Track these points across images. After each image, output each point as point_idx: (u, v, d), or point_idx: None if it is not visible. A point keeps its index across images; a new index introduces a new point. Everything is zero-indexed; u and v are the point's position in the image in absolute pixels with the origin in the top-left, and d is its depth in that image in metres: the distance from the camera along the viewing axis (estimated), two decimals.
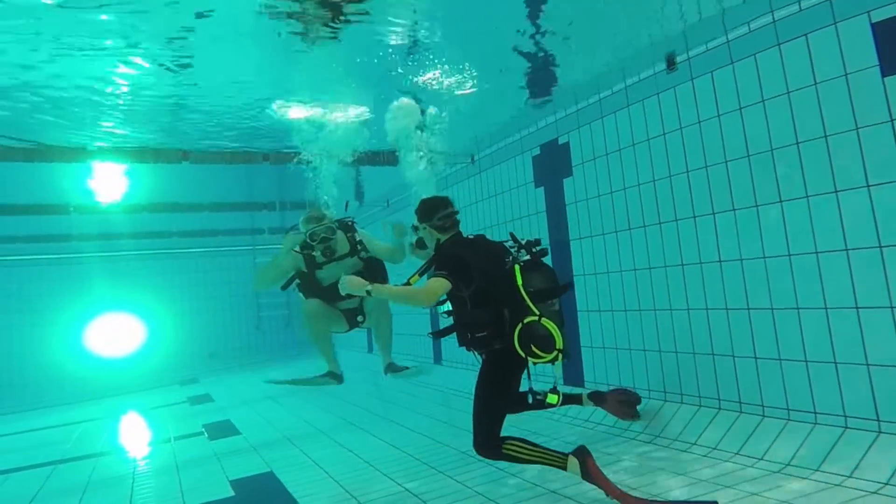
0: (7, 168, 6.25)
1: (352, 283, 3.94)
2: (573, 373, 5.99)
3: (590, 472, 3.56)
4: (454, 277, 3.75)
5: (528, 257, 3.97)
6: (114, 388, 12.18)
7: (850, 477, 3.50)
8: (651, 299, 5.19)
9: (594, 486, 3.59)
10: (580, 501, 3.79)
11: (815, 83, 3.87)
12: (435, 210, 4.15)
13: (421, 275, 4.05)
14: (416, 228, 4.25)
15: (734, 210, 4.43)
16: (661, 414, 4.95)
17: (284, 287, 5.12)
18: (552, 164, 6.31)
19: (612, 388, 5.22)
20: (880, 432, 3.57)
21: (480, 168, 7.61)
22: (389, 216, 10.25)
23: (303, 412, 7.99)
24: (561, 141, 6.16)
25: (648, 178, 5.14)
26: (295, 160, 6.06)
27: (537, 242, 4.05)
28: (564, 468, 3.64)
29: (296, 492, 4.69)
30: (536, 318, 3.71)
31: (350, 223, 5.10)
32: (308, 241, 4.79)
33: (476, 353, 4.02)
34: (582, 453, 3.63)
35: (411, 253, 4.63)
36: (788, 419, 4.09)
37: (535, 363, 3.86)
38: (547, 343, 3.72)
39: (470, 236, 4.16)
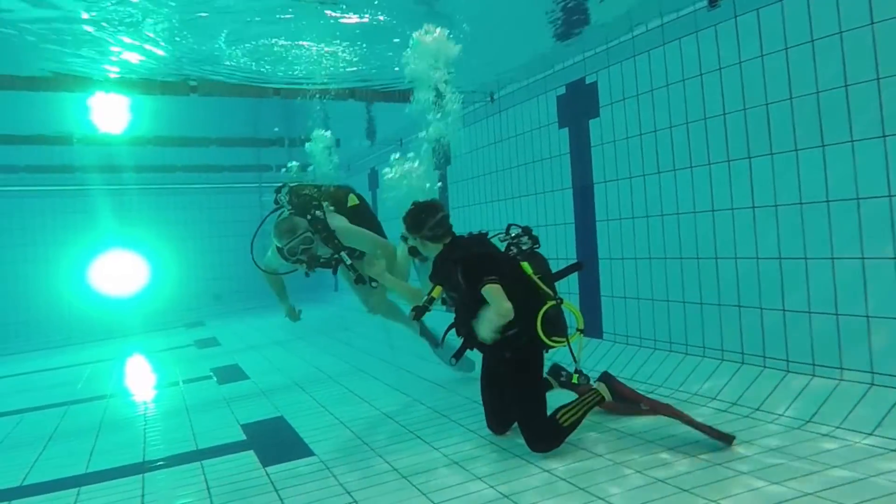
0: (7, 96, 5.95)
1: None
2: (591, 323, 5.83)
3: (618, 392, 3.88)
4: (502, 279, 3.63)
5: (530, 243, 3.93)
6: (119, 328, 12.07)
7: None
8: (678, 247, 5.00)
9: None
10: None
11: (872, 23, 3.59)
12: (425, 220, 3.92)
13: (438, 283, 3.91)
14: (405, 238, 4.07)
15: (771, 154, 4.21)
16: (681, 367, 4.85)
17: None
18: (578, 105, 6.03)
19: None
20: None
21: (501, 107, 7.31)
22: (399, 157, 9.96)
23: (311, 358, 7.92)
24: (588, 80, 5.88)
25: (681, 121, 4.90)
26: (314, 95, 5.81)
27: (531, 229, 4.03)
28: (603, 400, 3.87)
29: (307, 436, 4.63)
30: (556, 302, 3.76)
31: (319, 217, 4.89)
32: (287, 256, 4.77)
33: (506, 355, 3.82)
34: (607, 378, 3.93)
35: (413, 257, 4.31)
36: (813, 374, 3.97)
37: (549, 351, 3.86)
38: (566, 326, 3.84)
39: (464, 236, 3.99)
